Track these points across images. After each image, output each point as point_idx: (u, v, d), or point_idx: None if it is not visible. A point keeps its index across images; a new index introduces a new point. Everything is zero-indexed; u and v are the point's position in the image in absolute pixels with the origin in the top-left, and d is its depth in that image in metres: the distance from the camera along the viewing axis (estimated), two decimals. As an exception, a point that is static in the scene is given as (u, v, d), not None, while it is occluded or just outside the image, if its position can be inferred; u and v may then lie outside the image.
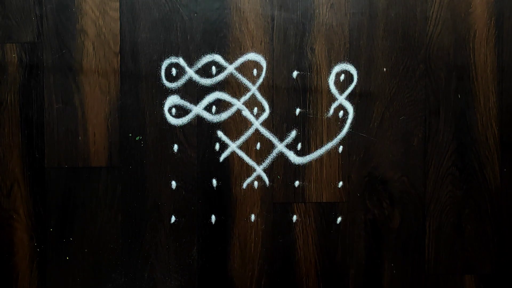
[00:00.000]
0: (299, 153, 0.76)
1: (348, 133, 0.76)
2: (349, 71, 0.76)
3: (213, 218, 0.76)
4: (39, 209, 0.74)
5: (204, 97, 0.75)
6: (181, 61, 0.74)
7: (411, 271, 0.78)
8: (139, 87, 0.74)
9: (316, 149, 0.76)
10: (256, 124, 0.76)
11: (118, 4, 0.74)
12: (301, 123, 0.76)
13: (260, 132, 0.76)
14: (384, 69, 0.76)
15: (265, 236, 0.76)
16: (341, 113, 0.76)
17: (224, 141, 0.75)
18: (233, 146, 0.75)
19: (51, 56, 0.74)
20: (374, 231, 0.77)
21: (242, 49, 0.75)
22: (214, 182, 0.75)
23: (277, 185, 0.76)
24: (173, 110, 0.75)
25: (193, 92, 0.75)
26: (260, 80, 0.75)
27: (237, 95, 0.75)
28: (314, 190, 0.76)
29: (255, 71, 0.75)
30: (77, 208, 0.74)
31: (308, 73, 0.76)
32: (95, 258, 0.75)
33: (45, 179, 0.74)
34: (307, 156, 0.76)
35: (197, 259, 0.76)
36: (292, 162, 0.76)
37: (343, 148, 0.76)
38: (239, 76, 0.75)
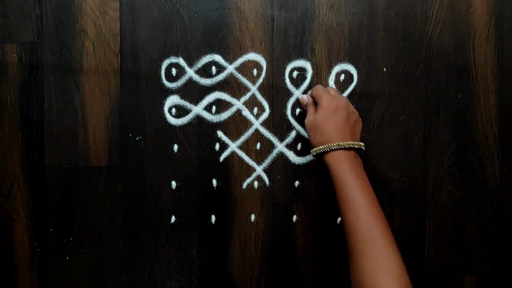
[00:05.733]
0: (299, 153, 0.76)
1: (348, 133, 0.76)
2: (349, 71, 0.76)
3: (213, 218, 0.76)
4: (39, 209, 0.74)
5: (204, 97, 0.75)
6: (181, 61, 0.74)
7: (411, 271, 0.77)
8: (139, 87, 0.74)
9: (316, 149, 0.76)
10: (256, 124, 0.76)
11: (118, 4, 0.74)
12: (301, 123, 0.76)
13: (260, 132, 0.76)
14: (384, 69, 0.76)
15: (265, 236, 0.76)
16: (341, 113, 0.76)
17: (224, 141, 0.75)
18: (233, 146, 0.75)
19: (51, 56, 0.74)
20: (374, 231, 0.77)
21: (242, 49, 0.75)
22: (214, 182, 0.75)
23: (277, 185, 0.76)
24: (173, 110, 0.75)
25: (193, 92, 0.75)
26: (260, 80, 0.75)
27: (237, 95, 0.75)
28: (314, 190, 0.76)
29: (255, 71, 0.75)
30: (77, 208, 0.75)
31: (308, 73, 0.76)
32: (95, 258, 0.75)
33: (45, 179, 0.74)
34: (307, 156, 0.76)
35: (197, 259, 0.76)
36: (292, 162, 0.76)
37: (343, 148, 0.76)
38: (239, 76, 0.75)
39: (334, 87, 0.76)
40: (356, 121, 0.67)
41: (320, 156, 0.65)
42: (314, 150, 0.64)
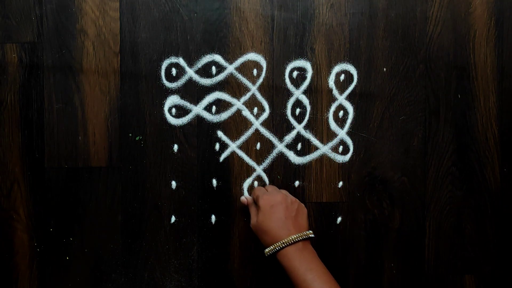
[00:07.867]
0: (299, 153, 0.76)
1: (348, 133, 0.76)
2: (349, 71, 0.76)
3: (213, 218, 0.76)
4: (39, 209, 0.74)
5: (204, 97, 0.75)
6: (181, 61, 0.74)
7: (411, 271, 0.78)
8: (139, 87, 0.74)
9: (316, 149, 0.76)
10: (256, 124, 0.76)
11: (118, 4, 0.74)
12: (301, 123, 0.76)
13: (260, 132, 0.76)
14: (384, 69, 0.76)
15: (265, 236, 0.76)
16: (341, 113, 0.76)
17: (224, 141, 0.75)
18: (233, 146, 0.75)
19: (51, 56, 0.74)
20: (374, 231, 0.77)
21: (242, 49, 0.75)
22: (214, 182, 0.75)
23: (277, 185, 0.76)
24: (173, 110, 0.75)
25: (193, 92, 0.75)
26: (260, 80, 0.75)
27: (237, 95, 0.75)
28: (314, 190, 0.76)
29: (255, 71, 0.75)
30: (77, 208, 0.75)
31: (308, 73, 0.76)
32: (95, 258, 0.75)
33: (45, 179, 0.74)
34: (307, 156, 0.76)
35: (197, 259, 0.76)
36: (292, 162, 0.76)
37: (343, 148, 0.76)
38: (239, 76, 0.75)
39: (334, 87, 0.76)
40: (298, 210, 0.67)
41: (274, 256, 0.65)
42: (266, 252, 0.65)
